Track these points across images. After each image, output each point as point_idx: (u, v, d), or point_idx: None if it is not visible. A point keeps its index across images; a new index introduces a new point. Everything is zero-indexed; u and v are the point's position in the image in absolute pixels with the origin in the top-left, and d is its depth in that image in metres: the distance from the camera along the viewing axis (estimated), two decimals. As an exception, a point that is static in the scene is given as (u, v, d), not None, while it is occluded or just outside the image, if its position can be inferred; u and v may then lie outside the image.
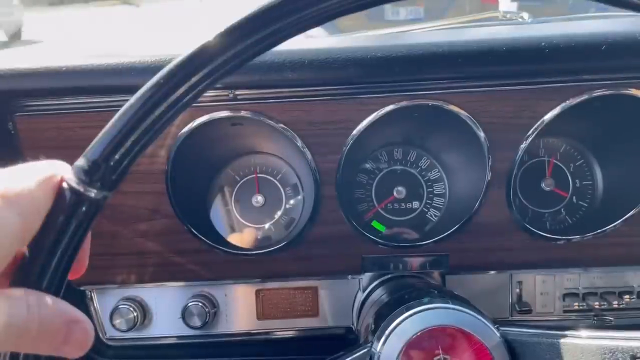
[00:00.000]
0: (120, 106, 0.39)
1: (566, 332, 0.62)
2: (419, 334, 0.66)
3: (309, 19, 0.41)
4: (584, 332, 0.61)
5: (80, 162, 0.38)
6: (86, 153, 0.38)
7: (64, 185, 0.38)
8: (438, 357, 0.66)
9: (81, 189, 0.38)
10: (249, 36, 0.40)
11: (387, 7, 2.38)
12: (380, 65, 0.82)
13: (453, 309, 0.68)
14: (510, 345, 0.65)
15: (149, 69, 0.80)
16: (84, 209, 0.38)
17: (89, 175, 0.38)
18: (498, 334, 0.66)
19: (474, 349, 0.66)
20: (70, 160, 0.39)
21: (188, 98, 0.40)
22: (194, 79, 0.40)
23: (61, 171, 0.38)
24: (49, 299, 0.36)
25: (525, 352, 0.64)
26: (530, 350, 0.63)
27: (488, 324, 0.66)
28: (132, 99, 0.39)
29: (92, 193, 0.38)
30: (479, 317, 0.67)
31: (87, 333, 0.38)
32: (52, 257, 0.37)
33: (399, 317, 0.68)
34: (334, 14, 0.41)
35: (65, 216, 0.37)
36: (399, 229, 1.06)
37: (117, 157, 0.38)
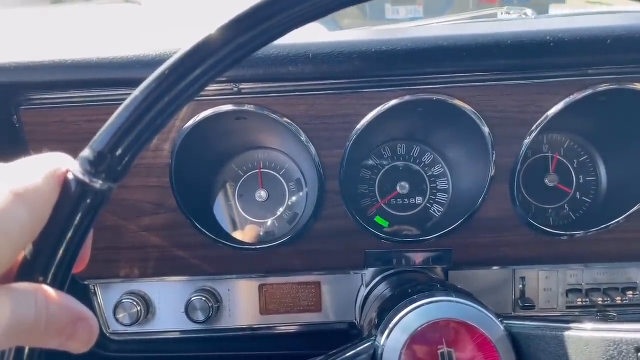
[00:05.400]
0: (125, 99, 0.39)
1: (571, 325, 0.62)
2: (423, 327, 0.66)
3: (310, 12, 0.41)
4: (588, 325, 0.61)
5: (86, 152, 0.38)
6: (92, 144, 0.38)
7: (70, 176, 0.38)
8: (442, 351, 0.66)
9: (87, 179, 0.37)
10: (253, 28, 0.40)
11: (388, 6, 2.46)
12: (384, 59, 0.81)
13: (457, 302, 0.68)
14: (514, 339, 0.65)
15: (154, 62, 0.80)
16: (89, 200, 0.38)
17: (94, 166, 0.37)
18: (502, 327, 0.66)
19: (478, 342, 0.66)
20: (75, 154, 0.39)
21: (193, 89, 0.40)
22: (198, 70, 0.40)
23: (66, 163, 0.38)
24: (56, 295, 0.36)
25: (530, 345, 0.64)
26: (534, 343, 0.63)
27: (492, 317, 0.66)
28: (138, 90, 0.39)
29: (98, 184, 0.37)
30: (483, 310, 0.67)
31: (92, 330, 0.38)
32: (58, 250, 0.37)
33: (403, 310, 0.68)
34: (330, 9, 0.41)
35: (71, 208, 0.37)
36: (402, 225, 1.06)
37: (123, 148, 0.38)
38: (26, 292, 0.35)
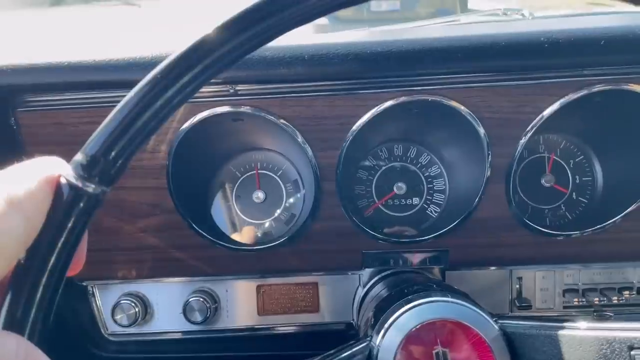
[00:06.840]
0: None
1: (564, 324, 0.62)
2: (417, 327, 0.67)
3: (305, 14, 0.41)
4: (581, 324, 0.61)
5: (79, 157, 0.38)
6: (84, 148, 0.38)
7: (62, 180, 0.37)
8: (437, 351, 0.66)
9: (79, 184, 0.37)
10: (247, 29, 0.40)
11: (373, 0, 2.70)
12: (380, 60, 0.82)
13: (452, 302, 0.68)
14: (508, 338, 0.66)
15: (150, 64, 0.81)
16: (82, 204, 0.37)
17: (87, 170, 0.37)
18: (497, 327, 0.66)
19: (472, 342, 0.66)
20: (73, 156, 0.39)
21: (186, 92, 0.40)
22: (191, 73, 0.40)
23: (59, 167, 0.38)
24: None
25: (524, 344, 0.64)
26: (528, 342, 0.64)
27: (486, 317, 0.67)
28: (130, 93, 0.39)
29: (91, 188, 0.37)
30: (478, 310, 0.67)
31: None
32: (49, 258, 0.37)
33: (398, 310, 0.69)
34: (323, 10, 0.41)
35: (63, 213, 0.37)
36: (399, 225, 1.06)
37: (115, 151, 0.38)
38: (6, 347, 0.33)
